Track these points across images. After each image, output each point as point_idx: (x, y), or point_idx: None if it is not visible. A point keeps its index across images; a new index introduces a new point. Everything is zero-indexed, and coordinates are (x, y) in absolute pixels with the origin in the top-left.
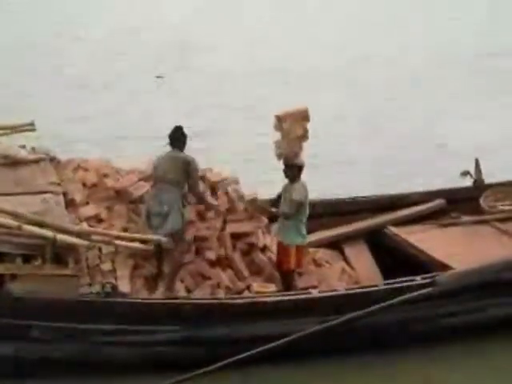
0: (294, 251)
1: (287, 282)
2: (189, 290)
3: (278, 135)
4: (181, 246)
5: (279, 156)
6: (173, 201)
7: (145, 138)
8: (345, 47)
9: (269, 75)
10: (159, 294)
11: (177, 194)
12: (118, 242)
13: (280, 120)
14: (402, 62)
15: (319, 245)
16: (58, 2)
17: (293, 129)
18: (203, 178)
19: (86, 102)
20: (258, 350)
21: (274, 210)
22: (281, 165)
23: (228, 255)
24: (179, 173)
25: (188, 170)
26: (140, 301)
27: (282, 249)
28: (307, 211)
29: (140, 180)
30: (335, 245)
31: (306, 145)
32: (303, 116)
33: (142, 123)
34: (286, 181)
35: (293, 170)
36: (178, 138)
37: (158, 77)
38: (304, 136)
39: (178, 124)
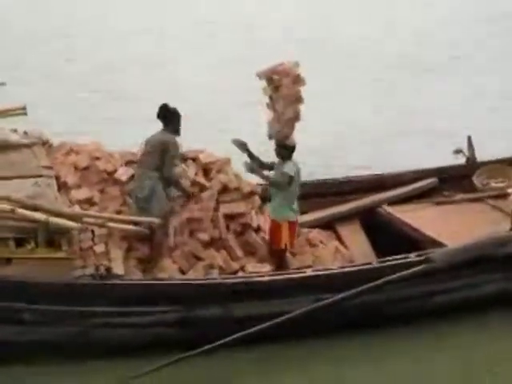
0: (286, 228)
1: (278, 261)
2: (182, 272)
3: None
4: (163, 228)
5: (271, 136)
6: (153, 186)
7: None
8: None
9: None
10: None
11: (156, 179)
12: (111, 224)
13: (273, 100)
14: None
15: (313, 225)
16: None
17: (286, 111)
18: (196, 160)
19: None
20: (253, 329)
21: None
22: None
23: (222, 236)
24: (157, 156)
25: (164, 152)
26: (134, 282)
27: (274, 227)
28: (297, 189)
29: (131, 162)
30: (329, 225)
31: None
32: (297, 95)
33: None
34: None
35: (284, 151)
36: (163, 116)
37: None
38: (296, 118)
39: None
